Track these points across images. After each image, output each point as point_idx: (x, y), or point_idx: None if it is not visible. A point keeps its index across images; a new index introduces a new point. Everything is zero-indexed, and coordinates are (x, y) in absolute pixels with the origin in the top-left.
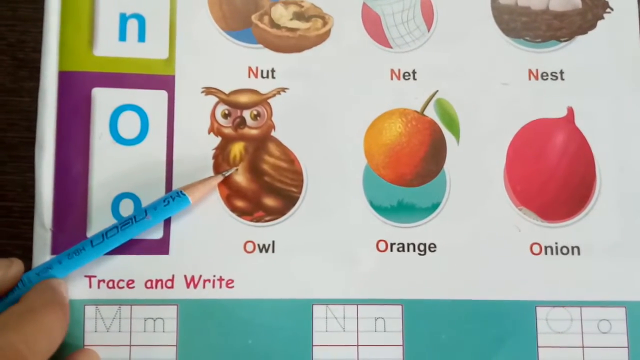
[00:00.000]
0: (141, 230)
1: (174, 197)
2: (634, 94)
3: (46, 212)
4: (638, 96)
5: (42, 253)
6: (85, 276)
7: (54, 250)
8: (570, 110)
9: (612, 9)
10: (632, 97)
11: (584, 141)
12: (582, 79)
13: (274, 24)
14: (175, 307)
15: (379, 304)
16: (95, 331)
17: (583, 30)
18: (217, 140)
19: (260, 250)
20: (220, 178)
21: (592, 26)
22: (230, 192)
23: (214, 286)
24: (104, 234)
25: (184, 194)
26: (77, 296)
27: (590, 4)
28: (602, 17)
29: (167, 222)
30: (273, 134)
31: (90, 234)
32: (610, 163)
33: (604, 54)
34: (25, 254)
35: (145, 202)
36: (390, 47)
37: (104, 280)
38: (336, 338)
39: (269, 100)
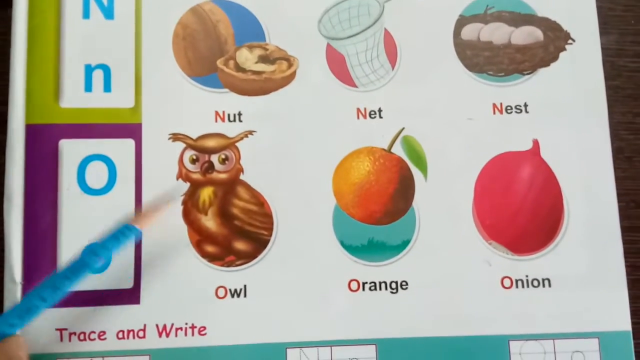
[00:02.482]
0: (94, 272)
1: (125, 233)
2: (598, 123)
3: (16, 265)
4: (602, 126)
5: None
6: (56, 329)
7: None
8: (536, 143)
9: (573, 40)
10: (596, 127)
11: (550, 173)
12: (546, 111)
13: (239, 68)
14: (148, 357)
15: (353, 344)
16: None
17: (545, 63)
18: (185, 186)
19: (232, 295)
20: (167, 205)
21: (555, 58)
22: (201, 238)
23: (186, 334)
24: (54, 286)
25: (134, 227)
26: (48, 350)
27: (552, 36)
28: (564, 49)
29: (138, 272)
30: (242, 177)
31: None
32: (577, 194)
33: (567, 85)
34: None
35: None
36: (356, 87)
37: (75, 333)
38: None
39: (237, 144)
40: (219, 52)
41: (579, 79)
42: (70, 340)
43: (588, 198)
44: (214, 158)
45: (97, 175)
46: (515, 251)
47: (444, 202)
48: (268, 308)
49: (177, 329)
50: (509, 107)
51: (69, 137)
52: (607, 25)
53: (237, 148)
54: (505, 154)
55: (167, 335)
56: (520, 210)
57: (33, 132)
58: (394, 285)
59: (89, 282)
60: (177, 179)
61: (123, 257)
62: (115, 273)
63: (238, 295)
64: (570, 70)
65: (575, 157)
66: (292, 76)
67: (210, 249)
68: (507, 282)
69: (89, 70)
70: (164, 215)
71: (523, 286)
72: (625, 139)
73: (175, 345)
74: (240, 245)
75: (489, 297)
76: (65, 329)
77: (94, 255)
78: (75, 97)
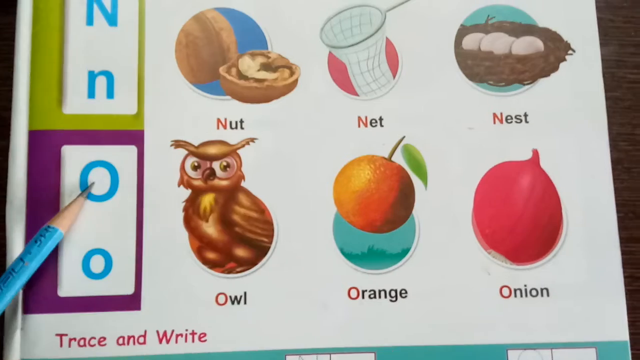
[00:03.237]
0: (26, 279)
1: (44, 234)
2: (598, 134)
3: None
4: (602, 136)
5: (13, 312)
6: (56, 335)
7: (26, 310)
8: (536, 153)
9: (574, 51)
10: (595, 138)
11: (549, 183)
12: (546, 121)
13: (241, 76)
14: None
15: (352, 352)
16: None
17: (546, 73)
18: (187, 192)
19: (232, 302)
20: (81, 201)
21: (555, 68)
22: (201, 245)
23: (186, 340)
24: None
25: (54, 228)
26: (48, 355)
27: (553, 46)
28: (564, 59)
29: (139, 277)
30: (243, 184)
31: (61, 292)
32: (576, 204)
33: (567, 96)
34: None
35: (116, 258)
36: (357, 95)
37: (75, 339)
38: None
39: (239, 151)
40: (221, 60)
41: (578, 89)
42: (70, 345)
43: (587, 208)
44: (216, 165)
45: (99, 181)
46: (514, 260)
47: (444, 211)
48: (268, 315)
49: (177, 335)
50: (509, 117)
51: (71, 143)
52: (608, 37)
53: (238, 155)
54: (505, 164)
55: (168, 341)
56: (520, 219)
57: (36, 138)
58: (393, 294)
59: (89, 288)
60: (179, 185)
61: (124, 262)
62: (116, 279)
63: (238, 302)
64: (570, 80)
65: (574, 167)
66: (293, 84)
67: (210, 255)
68: (505, 292)
69: (92, 76)
70: (79, 213)
71: (522, 295)
72: (624, 150)
73: (175, 352)
74: (240, 252)
75: (487, 306)
76: (66, 335)
77: (20, 260)
78: (78, 104)
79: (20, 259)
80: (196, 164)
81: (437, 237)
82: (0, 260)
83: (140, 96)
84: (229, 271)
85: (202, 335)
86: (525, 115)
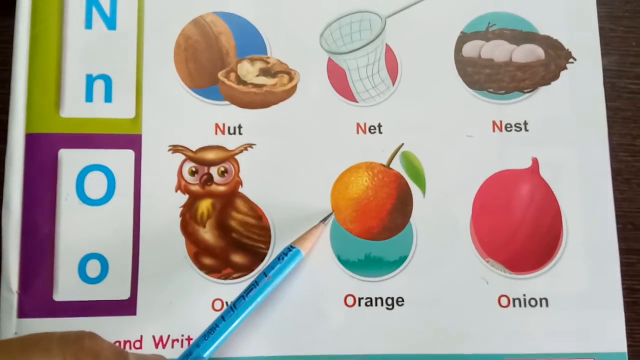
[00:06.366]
0: (267, 293)
1: (286, 253)
2: (598, 143)
3: (12, 274)
4: (602, 145)
5: (8, 316)
6: None
7: (21, 314)
8: (535, 161)
9: (575, 59)
10: (596, 147)
11: (549, 192)
12: (546, 130)
13: (240, 81)
14: None
15: (348, 359)
16: None
17: (546, 81)
18: (184, 197)
19: None
20: (322, 227)
21: (555, 77)
22: (198, 250)
23: (182, 346)
24: (232, 306)
25: (295, 247)
26: None
27: (553, 54)
28: (565, 68)
29: (135, 282)
30: (240, 190)
31: (56, 296)
32: (576, 213)
33: (567, 104)
34: None
35: (112, 263)
36: (356, 101)
37: None
38: None
39: (236, 157)
40: (220, 64)
41: (579, 98)
42: None
43: (587, 218)
44: (213, 170)
45: (96, 185)
46: (513, 270)
47: (442, 219)
48: (264, 321)
49: (173, 341)
50: (508, 125)
51: (68, 147)
52: (609, 47)
53: (236, 161)
54: (504, 172)
55: (164, 346)
56: (519, 228)
57: (33, 141)
58: (390, 301)
59: (85, 293)
60: (176, 190)
61: (120, 267)
62: (111, 283)
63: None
64: (571, 88)
65: (574, 176)
66: (292, 90)
67: (207, 261)
68: (504, 301)
69: (90, 80)
70: (319, 237)
71: (520, 305)
72: (624, 161)
73: (171, 357)
74: (237, 258)
75: (485, 315)
76: None
77: (263, 275)
78: (75, 107)
79: (264, 273)
80: (194, 169)
81: (434, 245)
82: None
83: (138, 100)
84: (226, 277)
85: None
86: (525, 123)
